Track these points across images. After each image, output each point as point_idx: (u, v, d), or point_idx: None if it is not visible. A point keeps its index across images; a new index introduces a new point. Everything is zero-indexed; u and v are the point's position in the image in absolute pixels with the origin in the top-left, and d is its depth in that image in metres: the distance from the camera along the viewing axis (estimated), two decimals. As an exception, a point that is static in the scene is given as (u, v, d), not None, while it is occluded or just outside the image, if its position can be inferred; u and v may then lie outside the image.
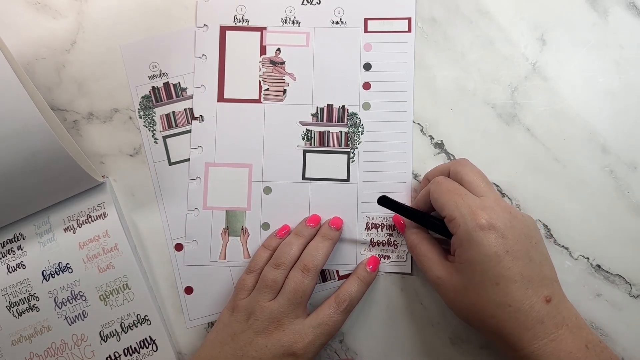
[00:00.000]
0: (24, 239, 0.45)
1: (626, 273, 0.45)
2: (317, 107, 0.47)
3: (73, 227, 0.45)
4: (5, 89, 0.36)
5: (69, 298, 0.44)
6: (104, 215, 0.45)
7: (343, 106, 0.47)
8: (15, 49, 0.47)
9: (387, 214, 0.46)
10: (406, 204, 0.43)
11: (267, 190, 0.47)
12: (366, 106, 0.47)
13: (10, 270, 0.45)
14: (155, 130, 0.48)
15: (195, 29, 0.48)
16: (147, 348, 0.45)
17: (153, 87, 0.48)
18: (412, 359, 0.46)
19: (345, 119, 0.47)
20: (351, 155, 0.47)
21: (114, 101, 0.48)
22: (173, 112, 0.48)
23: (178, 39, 0.48)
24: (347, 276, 0.46)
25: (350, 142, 0.47)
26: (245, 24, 0.48)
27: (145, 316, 0.45)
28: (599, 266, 0.45)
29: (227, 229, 0.47)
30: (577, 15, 0.47)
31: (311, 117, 0.47)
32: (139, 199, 0.47)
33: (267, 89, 0.48)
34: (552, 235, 0.46)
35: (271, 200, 0.47)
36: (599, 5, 0.47)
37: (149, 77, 0.48)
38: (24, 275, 0.44)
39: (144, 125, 0.48)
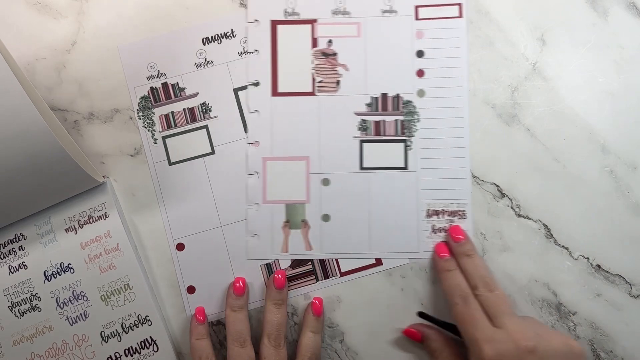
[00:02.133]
0: (25, 240, 0.45)
1: (626, 273, 0.45)
2: (372, 97, 0.47)
3: (74, 227, 0.45)
4: (4, 90, 0.36)
5: (71, 298, 0.45)
6: (106, 215, 0.45)
7: (397, 95, 0.47)
8: (16, 49, 0.47)
9: (448, 200, 0.46)
10: (444, 320, 0.45)
11: (326, 182, 0.47)
12: (421, 93, 0.47)
13: (12, 270, 0.45)
14: (154, 130, 0.48)
15: (246, 25, 0.48)
16: (148, 348, 0.45)
17: (151, 88, 0.48)
18: (412, 359, 0.46)
19: (400, 107, 0.47)
20: (408, 143, 0.47)
21: (114, 101, 0.48)
22: (172, 112, 0.48)
23: (176, 39, 0.48)
24: (349, 273, 0.46)
25: (406, 130, 0.47)
26: (295, 17, 0.48)
27: (146, 316, 0.45)
28: (599, 266, 0.46)
29: (288, 222, 0.47)
30: (577, 15, 0.47)
31: (366, 107, 0.47)
32: (140, 199, 0.48)
33: (320, 81, 0.47)
34: (552, 235, 0.46)
35: (330, 192, 0.47)
36: (598, 5, 0.47)
37: (147, 78, 0.48)
38: (26, 276, 0.45)
39: (143, 126, 0.48)
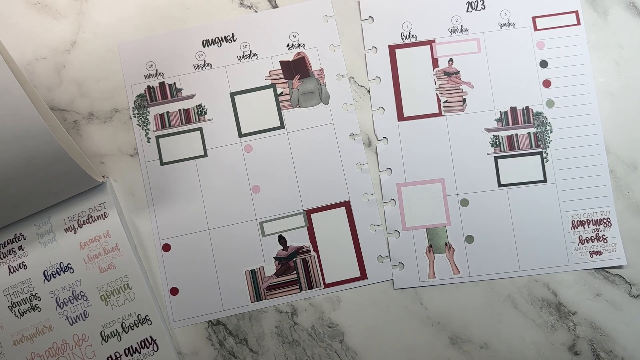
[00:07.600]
0: (24, 239, 0.45)
1: (626, 273, 0.45)
2: (500, 112, 0.47)
3: (74, 227, 0.45)
4: (4, 90, 0.36)
5: (70, 298, 0.45)
6: (105, 215, 0.46)
7: (527, 107, 0.47)
8: (16, 49, 0.47)
9: (591, 209, 0.46)
10: None
11: (464, 202, 0.46)
12: (550, 104, 0.47)
13: (12, 270, 0.45)
14: (148, 129, 0.48)
15: (364, 52, 0.48)
16: (148, 348, 0.45)
17: (148, 87, 0.48)
18: (412, 359, 0.46)
19: (531, 119, 0.47)
20: (544, 155, 0.46)
21: (114, 101, 0.48)
22: (167, 113, 0.48)
23: (176, 39, 0.48)
24: (332, 285, 0.46)
25: (540, 142, 0.46)
26: (413, 40, 0.48)
27: (146, 316, 0.45)
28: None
29: (431, 247, 0.46)
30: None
31: (496, 122, 0.47)
32: (139, 199, 0.47)
33: (445, 101, 0.47)
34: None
35: (470, 212, 0.46)
36: (598, 6, 0.47)
37: (145, 76, 0.48)
38: (26, 276, 0.45)
39: (137, 124, 0.48)
